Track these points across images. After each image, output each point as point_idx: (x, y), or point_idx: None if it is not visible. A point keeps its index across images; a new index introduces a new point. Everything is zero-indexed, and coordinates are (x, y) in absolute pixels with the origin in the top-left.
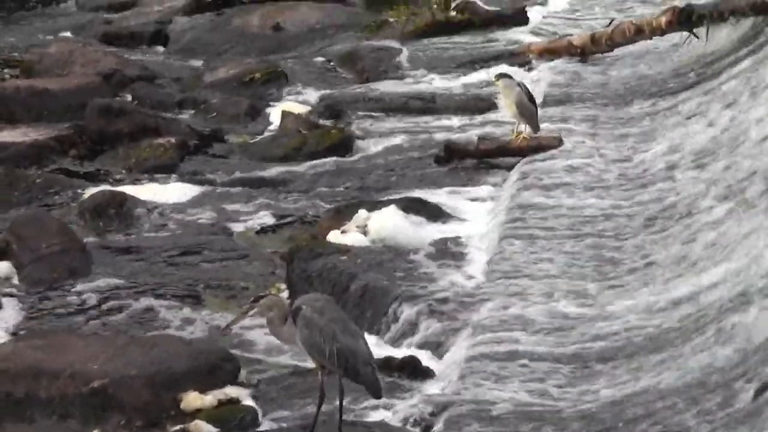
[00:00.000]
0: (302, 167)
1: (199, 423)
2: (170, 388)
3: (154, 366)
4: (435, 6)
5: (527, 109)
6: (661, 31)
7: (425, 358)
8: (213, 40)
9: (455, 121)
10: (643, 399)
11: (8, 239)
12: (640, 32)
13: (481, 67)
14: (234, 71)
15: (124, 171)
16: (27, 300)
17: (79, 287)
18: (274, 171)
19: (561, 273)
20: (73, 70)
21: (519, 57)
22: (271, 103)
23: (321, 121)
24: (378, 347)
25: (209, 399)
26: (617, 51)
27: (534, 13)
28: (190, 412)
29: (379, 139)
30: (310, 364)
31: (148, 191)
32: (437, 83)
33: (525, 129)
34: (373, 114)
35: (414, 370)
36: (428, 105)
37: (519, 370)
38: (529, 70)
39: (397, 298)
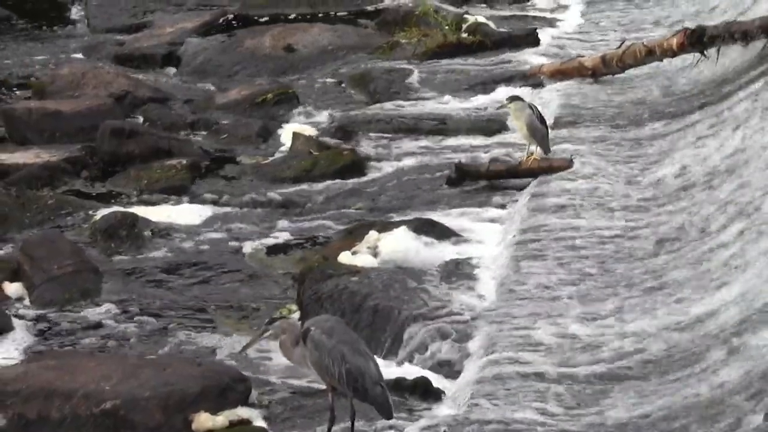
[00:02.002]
0: (313, 188)
1: None
2: (182, 409)
3: (166, 387)
4: (446, 27)
5: (538, 130)
6: (672, 53)
7: (436, 379)
8: (225, 61)
9: (466, 142)
10: (655, 420)
11: (20, 260)
12: (651, 54)
13: (493, 89)
14: (246, 92)
15: (135, 192)
16: (39, 321)
17: (91, 308)
18: (285, 192)
19: (572, 294)
20: (85, 91)
21: (530, 78)
22: (283, 125)
23: (332, 143)
24: (389, 368)
25: (221, 420)
26: (628, 72)
27: (545, 35)
28: None
29: (391, 160)
30: (321, 385)
31: (159, 212)
32: (449, 104)
33: (536, 150)
34: (384, 135)
35: (425, 391)
36: (440, 126)
37: (530, 390)
38: (540, 91)
39: (408, 318)
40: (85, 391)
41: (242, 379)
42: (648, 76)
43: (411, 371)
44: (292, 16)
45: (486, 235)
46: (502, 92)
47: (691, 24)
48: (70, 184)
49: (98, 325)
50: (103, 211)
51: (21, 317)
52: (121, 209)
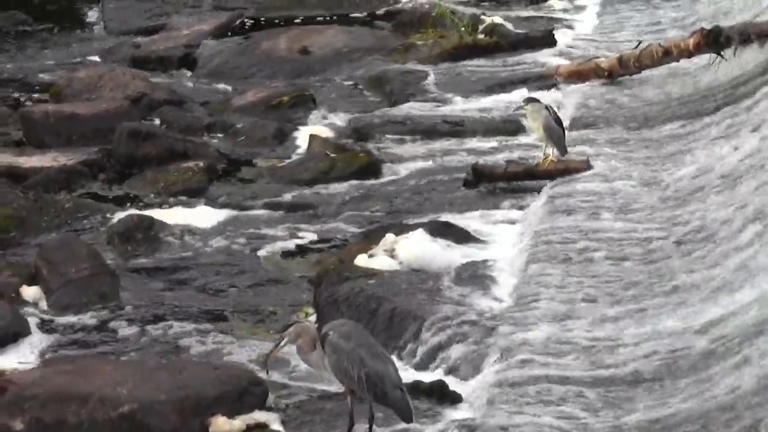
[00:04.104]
0: (330, 190)
1: None
2: (199, 413)
3: (182, 391)
4: (463, 29)
5: (555, 132)
6: (689, 54)
7: (453, 382)
8: (241, 63)
9: (483, 144)
10: (671, 423)
11: (38, 264)
12: (667, 54)
13: (509, 90)
14: (262, 95)
15: (152, 195)
16: (56, 325)
17: (108, 311)
18: (301, 194)
19: (588, 296)
20: (101, 94)
21: (547, 79)
22: (299, 127)
23: (349, 145)
24: (406, 371)
25: (238, 424)
26: (645, 73)
27: (562, 36)
28: None
29: (407, 162)
30: (339, 388)
31: (176, 215)
32: (465, 106)
33: (552, 152)
34: (400, 137)
35: (442, 395)
36: (456, 128)
37: (547, 394)
38: (557, 92)
39: (424, 321)
40: (102, 395)
41: (259, 383)
42: (665, 76)
43: (427, 374)
44: (308, 19)
45: (503, 237)
46: (519, 94)
47: (707, 25)
48: (87, 187)
49: (115, 329)
50: (119, 214)
51: (38, 321)
52: (138, 212)
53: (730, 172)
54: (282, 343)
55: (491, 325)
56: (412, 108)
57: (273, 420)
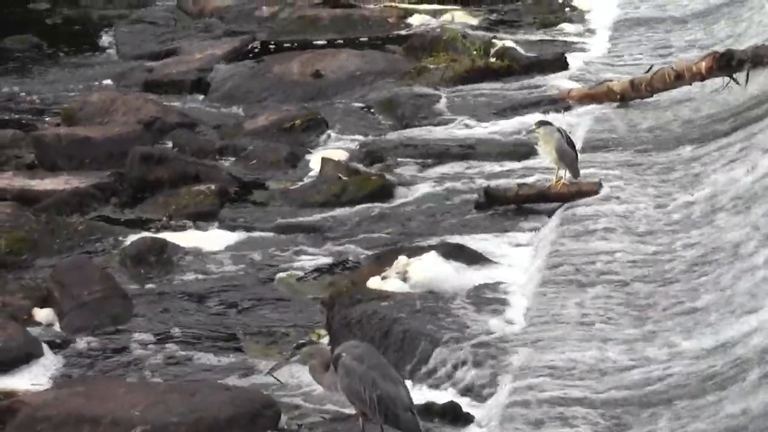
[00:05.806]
0: (342, 213)
1: None
2: None
3: (195, 413)
4: (474, 52)
5: (567, 155)
6: (701, 77)
7: (466, 403)
8: (253, 87)
9: (495, 167)
10: None
11: (50, 286)
12: (680, 78)
13: (521, 113)
14: (274, 118)
15: (164, 218)
16: (68, 347)
17: (120, 334)
18: (314, 217)
19: (602, 318)
20: (114, 118)
21: (559, 103)
22: (311, 150)
23: (361, 167)
24: (418, 393)
25: None
26: (657, 96)
27: (574, 59)
28: None
29: (419, 185)
30: (351, 410)
31: (188, 238)
32: (477, 129)
33: (565, 175)
34: (413, 160)
35: (455, 416)
36: (468, 151)
37: (560, 416)
38: (569, 116)
39: (437, 343)
40: (114, 417)
41: (271, 405)
42: (677, 100)
43: (440, 396)
44: (320, 43)
45: (515, 259)
46: (531, 117)
47: (720, 48)
48: (100, 210)
49: (127, 351)
50: (132, 237)
51: (51, 343)
52: (150, 235)
53: (743, 194)
54: (292, 359)
55: (504, 346)
56: (424, 131)
57: None
